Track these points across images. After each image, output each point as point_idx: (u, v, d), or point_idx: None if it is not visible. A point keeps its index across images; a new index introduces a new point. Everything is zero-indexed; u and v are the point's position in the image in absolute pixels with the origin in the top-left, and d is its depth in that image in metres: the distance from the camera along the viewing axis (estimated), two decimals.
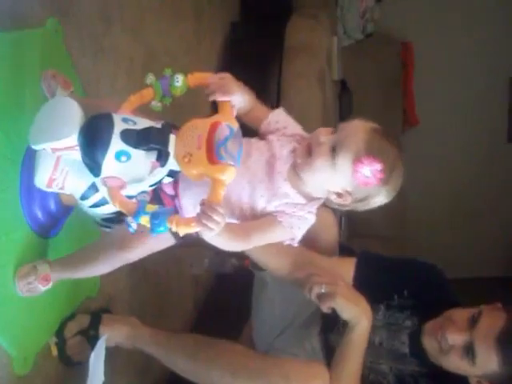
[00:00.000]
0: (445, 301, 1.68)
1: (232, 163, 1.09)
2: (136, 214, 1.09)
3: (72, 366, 1.56)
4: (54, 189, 1.29)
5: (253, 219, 1.31)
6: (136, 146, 1.11)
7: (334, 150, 1.24)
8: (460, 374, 1.60)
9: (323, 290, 1.53)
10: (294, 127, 1.38)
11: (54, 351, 1.52)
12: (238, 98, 1.26)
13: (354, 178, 1.23)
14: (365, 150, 1.22)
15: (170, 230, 1.09)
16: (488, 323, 1.54)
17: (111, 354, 1.59)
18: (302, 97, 2.81)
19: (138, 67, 2.06)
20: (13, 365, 1.33)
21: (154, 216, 1.08)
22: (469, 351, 1.54)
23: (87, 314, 1.64)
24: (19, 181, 1.32)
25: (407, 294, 1.73)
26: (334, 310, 1.55)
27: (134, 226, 1.11)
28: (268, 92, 2.83)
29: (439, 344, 1.60)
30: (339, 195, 1.29)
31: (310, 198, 1.33)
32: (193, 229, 1.10)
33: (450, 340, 1.57)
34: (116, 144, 1.10)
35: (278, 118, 1.38)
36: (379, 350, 1.69)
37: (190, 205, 1.31)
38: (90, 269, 1.40)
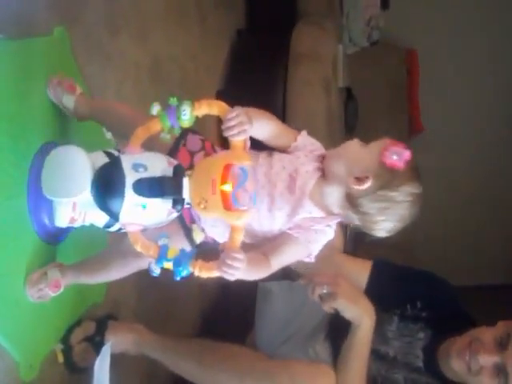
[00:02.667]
0: (457, 316, 1.68)
1: (247, 207, 1.10)
2: (159, 261, 1.12)
3: (77, 373, 1.56)
4: (76, 225, 1.30)
5: (272, 237, 1.31)
6: (150, 196, 1.13)
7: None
8: None
9: (325, 291, 1.54)
10: (321, 149, 1.38)
11: (60, 357, 1.52)
12: (258, 131, 1.25)
13: (381, 157, 1.22)
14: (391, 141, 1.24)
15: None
16: None
17: (116, 360, 1.59)
18: (308, 104, 2.81)
19: (144, 74, 2.07)
20: (19, 371, 1.34)
21: (176, 263, 1.10)
22: (500, 373, 1.53)
23: (93, 321, 1.64)
24: (27, 187, 1.33)
25: (420, 306, 1.72)
26: (337, 311, 1.55)
27: (157, 271, 1.14)
28: (273, 99, 2.83)
29: (468, 365, 1.57)
30: (358, 180, 1.24)
31: (330, 213, 1.32)
32: (214, 274, 1.12)
33: (482, 361, 1.55)
34: (130, 197, 1.12)
35: (306, 141, 1.37)
36: (393, 362, 1.69)
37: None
38: (103, 275, 1.41)
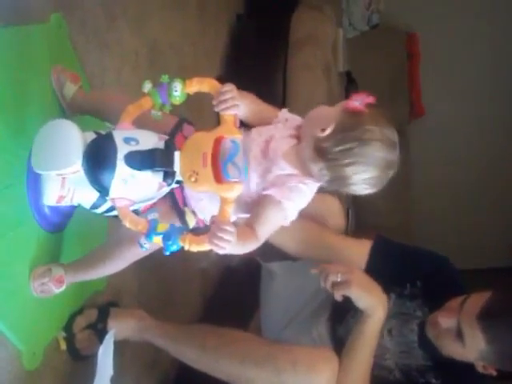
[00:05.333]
0: (456, 295, 1.68)
1: (238, 179, 1.09)
2: (148, 235, 1.11)
3: (81, 360, 1.57)
4: (64, 204, 1.30)
5: (251, 203, 1.29)
6: (141, 169, 1.12)
7: None
8: (463, 360, 1.61)
9: (339, 279, 1.54)
10: (299, 121, 1.38)
11: (63, 345, 1.52)
12: (243, 110, 1.25)
13: (344, 105, 1.24)
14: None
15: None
16: (472, 303, 1.56)
17: (120, 347, 1.60)
18: (308, 88, 2.79)
19: (143, 61, 2.06)
20: (22, 359, 1.34)
21: (166, 237, 1.09)
22: (459, 333, 1.56)
23: (95, 308, 1.65)
24: (26, 176, 1.32)
25: (420, 285, 1.73)
26: (346, 299, 1.55)
27: (146, 246, 1.13)
28: (273, 84, 2.82)
29: (437, 330, 1.62)
30: (323, 129, 1.23)
31: (305, 172, 1.29)
32: (205, 248, 1.11)
33: (442, 323, 1.59)
34: (121, 169, 1.11)
35: (287, 116, 1.37)
36: (387, 341, 1.69)
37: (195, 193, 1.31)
38: (103, 268, 1.40)
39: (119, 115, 1.22)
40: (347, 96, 1.24)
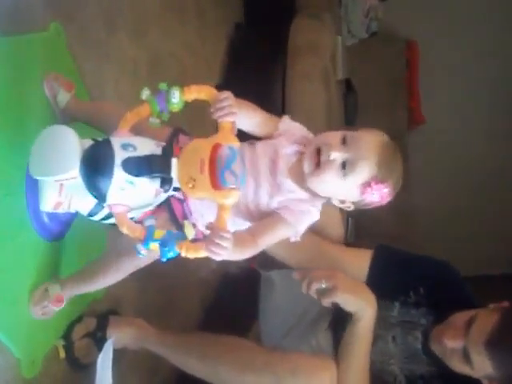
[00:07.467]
0: (461, 301, 1.67)
1: (235, 186, 1.10)
2: (145, 242, 1.11)
3: (80, 369, 1.57)
4: (61, 211, 1.29)
5: (259, 217, 1.33)
6: (138, 175, 1.13)
7: (344, 168, 1.28)
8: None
9: (323, 286, 1.52)
10: (301, 131, 1.41)
11: (62, 354, 1.52)
12: (242, 120, 1.28)
13: (361, 197, 1.31)
14: (375, 173, 1.28)
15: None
16: (479, 328, 1.53)
17: (119, 355, 1.59)
18: (307, 97, 2.80)
19: (142, 70, 2.07)
20: (21, 368, 1.34)
21: (163, 243, 1.10)
22: (466, 356, 1.53)
23: (94, 317, 1.65)
24: (25, 185, 1.32)
25: (423, 292, 1.72)
26: (337, 304, 1.55)
27: (143, 252, 1.13)
28: (272, 93, 2.82)
29: (442, 348, 1.60)
30: (342, 201, 1.35)
31: (314, 194, 1.35)
32: (202, 254, 1.11)
33: (448, 345, 1.57)
34: (118, 175, 1.12)
35: (288, 127, 1.40)
36: (391, 347, 1.68)
37: (198, 205, 1.32)
38: (105, 279, 1.40)
39: (112, 125, 1.23)
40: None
